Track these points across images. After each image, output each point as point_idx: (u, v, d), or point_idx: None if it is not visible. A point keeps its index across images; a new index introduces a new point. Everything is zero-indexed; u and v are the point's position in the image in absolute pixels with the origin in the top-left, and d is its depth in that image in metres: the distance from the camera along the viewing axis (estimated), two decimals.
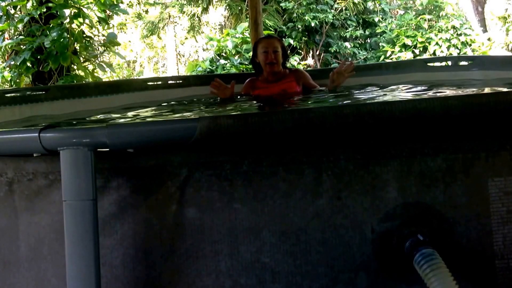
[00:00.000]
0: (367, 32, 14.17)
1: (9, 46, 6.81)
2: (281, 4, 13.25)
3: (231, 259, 1.26)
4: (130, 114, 2.89)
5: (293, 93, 3.44)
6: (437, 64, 3.92)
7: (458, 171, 1.24)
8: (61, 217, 1.14)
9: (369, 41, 14.42)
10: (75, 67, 6.60)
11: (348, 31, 13.66)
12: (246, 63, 10.83)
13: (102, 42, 7.18)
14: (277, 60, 3.45)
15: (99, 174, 1.26)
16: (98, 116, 2.80)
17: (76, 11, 6.21)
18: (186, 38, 18.37)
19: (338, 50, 13.56)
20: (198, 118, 1.15)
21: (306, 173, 1.25)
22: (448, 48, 12.20)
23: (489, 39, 12.64)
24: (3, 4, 6.26)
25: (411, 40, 12.49)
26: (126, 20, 14.99)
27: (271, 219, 1.25)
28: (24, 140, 1.18)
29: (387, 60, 12.06)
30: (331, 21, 13.26)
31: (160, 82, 3.91)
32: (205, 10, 14.65)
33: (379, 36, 13.88)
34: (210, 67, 11.25)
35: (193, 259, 1.27)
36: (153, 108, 3.16)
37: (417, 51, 12.38)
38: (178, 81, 4.01)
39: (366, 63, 12.68)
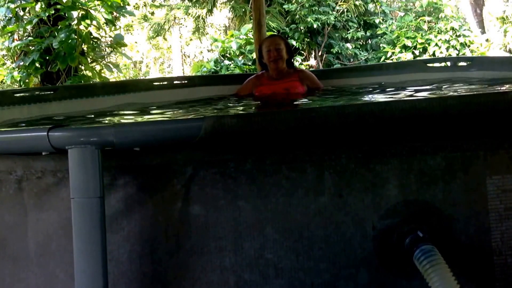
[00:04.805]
0: (368, 34, 14.18)
1: (18, 47, 6.86)
2: (284, 6, 13.26)
3: (235, 255, 1.28)
4: (136, 113, 2.92)
5: (295, 93, 3.45)
6: (436, 64, 3.93)
7: (457, 169, 1.26)
8: (69, 214, 1.16)
9: (370, 42, 14.44)
10: (82, 67, 6.64)
11: (349, 33, 13.67)
12: (250, 63, 10.85)
13: (109, 43, 7.21)
14: (281, 56, 3.45)
15: (106, 172, 1.27)
16: (105, 116, 2.82)
17: (84, 13, 6.25)
18: (191, 39, 18.40)
19: (339, 51, 13.57)
20: (203, 117, 1.17)
21: (308, 171, 1.27)
22: (447, 49, 12.23)
23: (487, 40, 12.64)
24: (12, 6, 6.30)
25: (411, 41, 12.52)
26: (132, 21, 15.03)
27: (274, 216, 1.27)
28: (33, 139, 1.20)
29: (388, 61, 12.07)
30: (333, 22, 13.27)
31: (165, 83, 3.93)
32: (210, 12, 14.66)
33: (379, 37, 13.90)
34: (215, 68, 11.28)
35: (198, 255, 1.29)
36: (159, 107, 3.19)
37: (417, 52, 12.41)
38: (183, 82, 4.03)
39: (367, 63, 12.69)
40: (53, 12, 6.30)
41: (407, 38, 12.64)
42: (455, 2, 14.67)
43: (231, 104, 3.33)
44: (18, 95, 2.78)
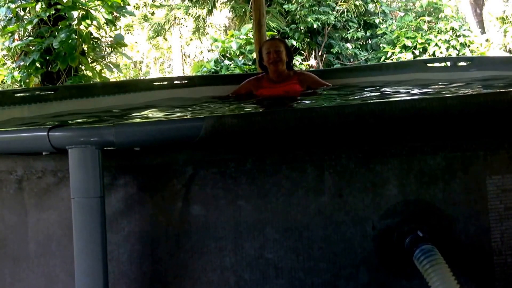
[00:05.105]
0: (368, 34, 14.21)
1: (19, 47, 6.88)
2: (284, 6, 13.27)
3: (235, 255, 1.28)
4: (136, 113, 2.92)
5: (295, 95, 3.47)
6: (436, 64, 3.94)
7: (457, 169, 1.26)
8: (69, 214, 1.17)
9: (370, 42, 14.47)
10: (83, 67, 6.65)
11: (349, 33, 13.70)
12: (250, 63, 10.86)
13: (109, 43, 7.23)
14: (280, 58, 3.47)
15: (107, 172, 1.28)
16: (105, 116, 2.83)
17: (84, 13, 6.27)
18: (191, 39, 18.40)
19: (339, 51, 13.60)
20: (204, 117, 1.17)
21: (308, 171, 1.27)
22: (447, 49, 12.26)
23: (487, 40, 12.67)
24: (13, 6, 6.32)
25: (411, 41, 12.55)
26: (132, 21, 15.04)
27: (274, 216, 1.28)
28: (33, 139, 1.21)
29: (388, 61, 12.09)
30: (333, 22, 13.30)
31: (166, 83, 3.94)
32: (210, 12, 14.67)
33: (379, 37, 13.94)
34: (215, 68, 11.29)
35: (198, 255, 1.29)
36: (159, 107, 3.19)
37: (417, 52, 12.44)
38: (183, 82, 4.04)
39: (367, 63, 12.72)
40: (53, 12, 6.32)
41: (407, 38, 12.67)
42: (455, 2, 14.72)
43: (231, 104, 3.34)
44: (18, 95, 2.79)
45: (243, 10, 13.33)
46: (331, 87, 3.60)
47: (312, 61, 13.58)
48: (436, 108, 1.17)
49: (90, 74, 6.60)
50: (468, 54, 12.03)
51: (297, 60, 12.64)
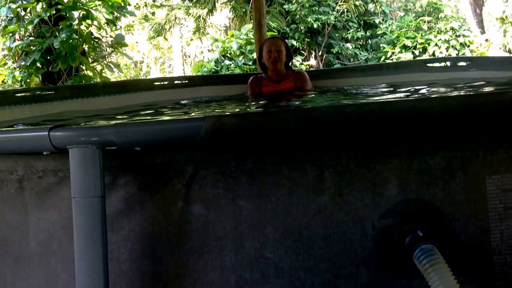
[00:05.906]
0: (368, 34, 14.24)
1: (20, 47, 6.90)
2: (284, 6, 13.30)
3: (235, 255, 1.28)
4: (137, 113, 2.93)
5: (292, 95, 3.52)
6: (436, 64, 3.95)
7: (456, 169, 1.26)
8: (70, 213, 1.17)
9: (370, 42, 14.51)
10: (83, 67, 6.67)
11: (349, 33, 13.73)
12: (250, 63, 10.87)
13: (110, 43, 7.25)
14: (280, 58, 3.53)
15: (107, 171, 1.28)
16: (106, 115, 2.83)
17: (85, 13, 6.29)
18: (192, 39, 18.41)
19: (340, 51, 13.62)
20: (204, 117, 1.17)
21: (308, 171, 1.27)
22: (447, 49, 12.30)
23: (487, 40, 12.71)
24: (13, 6, 6.34)
25: (411, 41, 12.58)
26: (133, 21, 15.05)
27: (274, 216, 1.28)
28: (34, 138, 1.21)
29: (388, 61, 12.11)
30: (333, 22, 13.32)
31: (166, 82, 3.95)
32: (210, 12, 14.69)
33: (379, 37, 13.97)
34: (215, 68, 11.31)
35: (199, 255, 1.29)
36: (159, 107, 3.20)
37: (416, 52, 12.47)
38: (184, 81, 4.05)
39: (367, 63, 12.73)
40: (54, 12, 6.34)
41: (407, 38, 12.70)
42: (455, 2, 14.75)
43: (231, 104, 3.35)
44: (19, 95, 2.79)
45: (244, 10, 13.35)
46: (313, 90, 3.64)
47: (312, 61, 13.59)
48: (436, 108, 1.17)
49: (90, 74, 6.62)
50: (468, 54, 12.06)
51: (297, 60, 12.65)
